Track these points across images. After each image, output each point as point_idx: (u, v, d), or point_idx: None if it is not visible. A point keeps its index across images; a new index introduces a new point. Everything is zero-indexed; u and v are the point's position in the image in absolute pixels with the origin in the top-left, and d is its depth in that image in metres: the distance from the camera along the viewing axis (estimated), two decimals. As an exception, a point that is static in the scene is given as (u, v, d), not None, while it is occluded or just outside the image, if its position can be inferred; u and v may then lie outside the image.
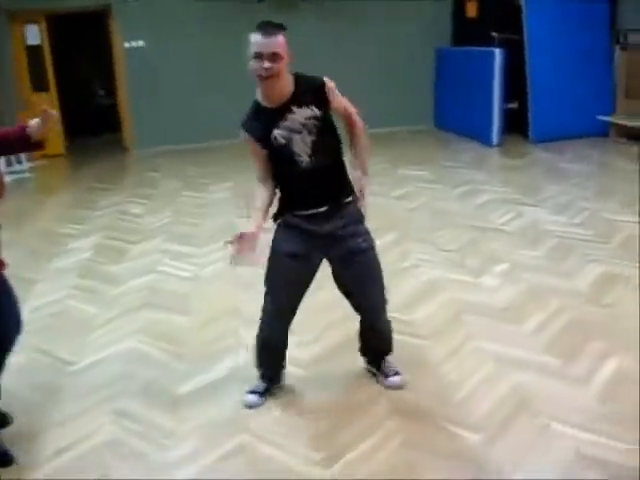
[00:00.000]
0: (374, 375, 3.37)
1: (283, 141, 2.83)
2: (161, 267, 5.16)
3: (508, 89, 8.82)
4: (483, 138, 8.98)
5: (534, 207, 6.09)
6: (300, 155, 2.84)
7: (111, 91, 11.24)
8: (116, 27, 9.87)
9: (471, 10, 9.85)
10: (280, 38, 2.73)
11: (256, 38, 2.71)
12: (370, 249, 3.05)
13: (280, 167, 2.93)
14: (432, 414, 3.06)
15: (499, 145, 8.83)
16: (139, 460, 2.88)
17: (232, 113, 9.66)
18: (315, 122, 2.83)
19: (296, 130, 2.82)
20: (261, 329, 3.20)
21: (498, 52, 8.66)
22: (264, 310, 3.18)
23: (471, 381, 3.30)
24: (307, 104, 2.82)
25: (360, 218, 3.05)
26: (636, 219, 5.56)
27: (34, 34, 10.03)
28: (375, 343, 3.33)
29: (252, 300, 4.37)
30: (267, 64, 2.70)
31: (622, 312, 3.94)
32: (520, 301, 4.15)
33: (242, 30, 9.67)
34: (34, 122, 2.82)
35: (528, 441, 2.83)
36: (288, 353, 3.32)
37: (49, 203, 7.49)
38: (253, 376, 3.33)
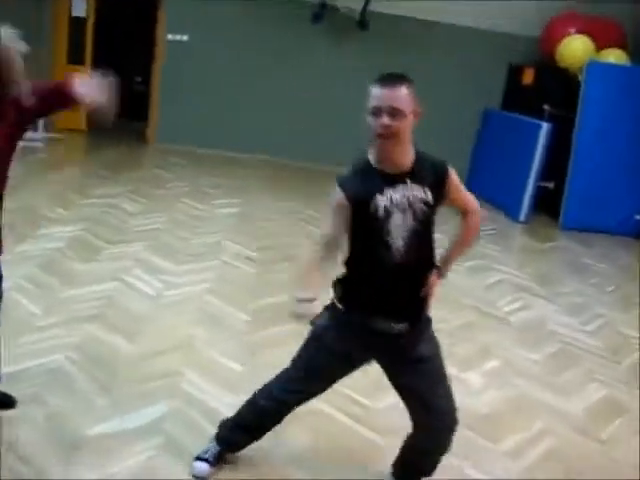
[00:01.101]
0: None
1: (382, 213, 2.30)
2: (128, 277, 4.69)
3: (548, 167, 8.33)
4: (511, 212, 8.47)
5: (546, 300, 5.56)
6: (394, 238, 2.33)
7: (147, 80, 10.93)
8: (163, 17, 9.56)
9: (528, 77, 9.40)
10: (403, 91, 2.25)
11: (375, 90, 2.26)
12: (431, 358, 2.54)
13: (368, 245, 2.37)
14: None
15: (526, 223, 8.32)
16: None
17: (265, 128, 9.40)
18: (424, 208, 2.34)
19: (400, 207, 2.31)
20: (272, 398, 2.70)
21: (546, 126, 8.19)
22: (287, 382, 2.68)
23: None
24: (423, 185, 2.35)
25: (427, 325, 2.55)
26: (654, 340, 5.03)
27: (81, 5, 9.78)
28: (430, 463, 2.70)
29: (210, 338, 3.97)
30: (386, 120, 2.23)
31: (616, 454, 3.39)
32: (503, 411, 3.61)
33: (290, 49, 9.38)
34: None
35: None
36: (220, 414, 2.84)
37: (45, 180, 7.11)
38: (175, 434, 2.84)
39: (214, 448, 2.80)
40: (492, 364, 4.18)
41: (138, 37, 11.16)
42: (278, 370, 3.65)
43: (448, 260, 2.56)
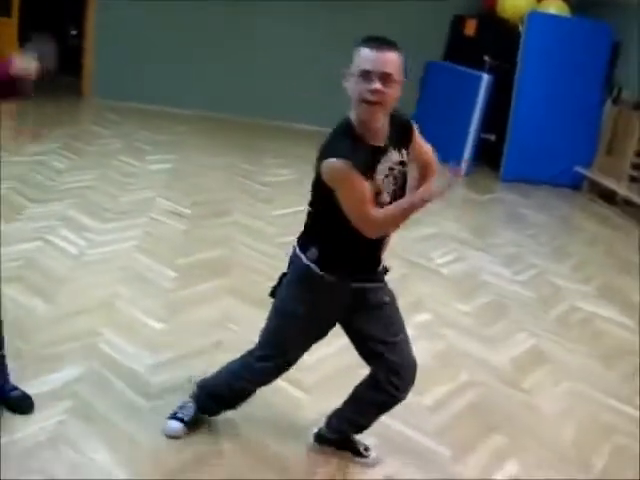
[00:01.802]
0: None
1: (376, 191, 2.24)
2: (50, 237, 4.51)
3: (489, 118, 8.30)
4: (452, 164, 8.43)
5: (480, 252, 5.56)
6: (378, 205, 2.25)
7: (82, 34, 10.48)
8: (94, -37, 9.14)
9: (470, 28, 9.29)
10: (395, 56, 2.15)
11: (365, 53, 2.13)
12: (390, 303, 2.50)
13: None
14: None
15: (466, 175, 8.28)
16: None
17: (203, 83, 9.09)
18: (402, 169, 2.32)
19: (385, 174, 2.28)
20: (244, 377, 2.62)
21: (486, 78, 8.13)
22: (263, 359, 2.55)
23: (339, 460, 2.73)
24: (399, 147, 2.31)
25: (384, 273, 2.53)
26: (584, 288, 5.08)
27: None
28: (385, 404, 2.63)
29: (133, 297, 3.85)
30: (378, 85, 2.10)
31: (537, 403, 3.41)
32: (429, 364, 3.57)
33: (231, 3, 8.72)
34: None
35: None
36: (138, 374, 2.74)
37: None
38: (88, 397, 2.76)
39: (191, 408, 2.73)
40: (422, 317, 4.16)
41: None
42: (201, 327, 3.61)
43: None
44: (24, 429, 2.62)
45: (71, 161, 6.42)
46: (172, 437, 2.69)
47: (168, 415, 2.75)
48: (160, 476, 2.50)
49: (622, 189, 7.63)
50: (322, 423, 2.77)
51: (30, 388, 2.84)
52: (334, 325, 2.54)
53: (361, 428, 2.71)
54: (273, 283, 2.54)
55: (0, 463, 2.39)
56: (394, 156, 2.29)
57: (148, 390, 3.00)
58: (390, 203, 2.28)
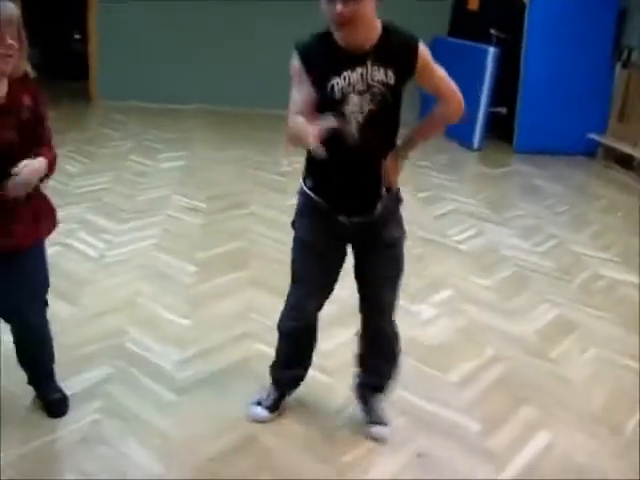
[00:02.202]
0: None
1: (339, 95, 2.21)
2: (70, 240, 4.55)
3: (499, 92, 8.23)
4: (464, 140, 8.39)
5: (498, 226, 5.53)
6: (349, 122, 2.23)
7: (86, 37, 10.51)
8: (92, -33, 9.16)
9: (473, 2, 9.21)
10: None
11: None
12: (400, 240, 2.53)
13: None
14: (316, 475, 2.52)
15: (480, 150, 8.25)
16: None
17: (205, 78, 9.09)
18: (383, 90, 2.23)
19: (358, 90, 2.21)
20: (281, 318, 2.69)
21: (493, 51, 8.05)
22: (290, 295, 2.65)
23: (367, 444, 2.75)
24: (385, 66, 2.22)
25: (397, 205, 2.51)
26: (604, 255, 5.04)
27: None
28: (376, 351, 2.74)
29: (155, 294, 3.88)
30: (340, 7, 2.07)
31: (565, 372, 3.40)
32: (453, 340, 3.60)
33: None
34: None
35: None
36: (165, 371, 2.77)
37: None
38: (118, 396, 2.80)
39: (272, 394, 2.79)
40: (444, 294, 4.16)
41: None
42: (224, 320, 3.64)
43: (410, 141, 2.46)
44: (59, 430, 2.66)
45: (83, 165, 6.46)
46: (258, 422, 2.76)
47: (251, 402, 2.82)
48: (195, 468, 2.53)
49: (638, 153, 7.55)
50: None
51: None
52: (338, 255, 2.53)
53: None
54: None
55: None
56: (374, 73, 2.21)
57: (177, 385, 3.02)
58: (364, 124, 2.24)
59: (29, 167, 2.25)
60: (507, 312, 4.00)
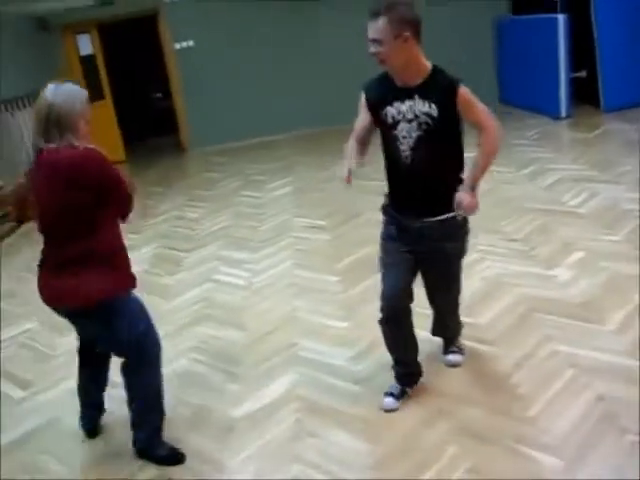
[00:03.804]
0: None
1: (391, 121, 2.73)
2: (216, 275, 4.99)
3: (575, 57, 8.26)
4: (551, 111, 8.46)
5: (610, 184, 5.61)
6: (402, 144, 2.74)
7: (168, 93, 11.18)
8: (166, 29, 9.78)
9: (531, -24, 9.29)
10: (380, 23, 2.58)
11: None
12: (454, 256, 2.97)
13: (386, 147, 2.84)
14: (502, 434, 2.76)
15: (568, 117, 8.29)
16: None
17: (290, 105, 9.53)
18: (428, 120, 2.67)
19: (407, 118, 2.70)
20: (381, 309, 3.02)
21: (562, 18, 8.11)
22: (381, 289, 3.02)
23: (547, 393, 2.96)
24: (430, 100, 2.66)
25: (456, 231, 2.90)
26: None
27: (86, 44, 10.05)
28: (441, 333, 3.37)
29: (310, 306, 4.23)
30: (371, 49, 2.63)
31: None
32: (599, 295, 3.77)
33: (292, 27, 9.41)
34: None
35: (617, 465, 2.50)
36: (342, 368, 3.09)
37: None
38: (309, 396, 3.12)
39: (395, 386, 3.13)
40: (576, 256, 4.32)
41: (148, 55, 11.38)
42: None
43: (472, 174, 2.76)
44: (267, 433, 3.01)
45: (202, 209, 6.95)
46: (388, 410, 3.04)
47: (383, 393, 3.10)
48: (398, 440, 2.82)
49: None
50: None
51: (258, 400, 3.27)
52: (407, 257, 2.90)
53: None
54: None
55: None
56: (419, 104, 2.66)
57: (355, 377, 3.34)
58: (414, 147, 2.71)
59: None
60: (646, 259, 4.11)
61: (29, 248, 5.88)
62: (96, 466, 3.01)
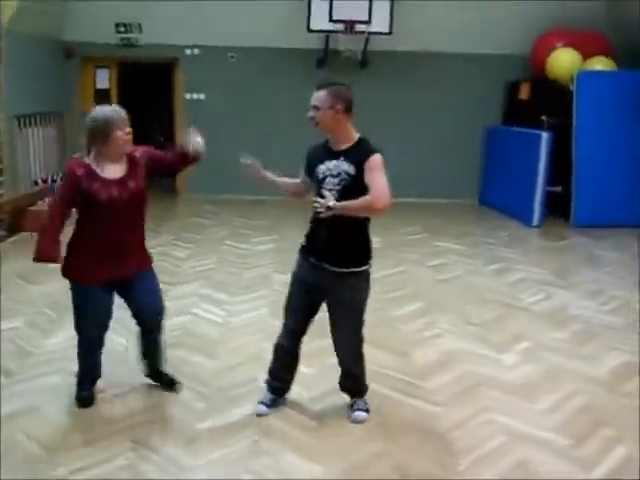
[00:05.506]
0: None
1: (321, 176, 3.33)
2: (196, 310, 5.37)
3: (553, 172, 8.95)
4: (524, 218, 9.09)
5: (565, 290, 6.16)
6: (326, 195, 3.24)
7: (170, 138, 11.68)
8: (180, 79, 10.37)
9: (524, 92, 10.07)
10: (321, 93, 3.27)
11: None
12: (352, 301, 3.44)
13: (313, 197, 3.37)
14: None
15: (539, 226, 8.93)
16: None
17: (285, 169, 9.98)
18: (346, 177, 3.25)
19: (334, 174, 3.28)
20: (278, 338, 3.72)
21: (546, 136, 8.82)
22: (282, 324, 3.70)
23: (479, 451, 3.38)
24: (350, 161, 3.25)
25: (360, 279, 3.41)
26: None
27: (104, 78, 10.57)
28: (347, 385, 3.75)
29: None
30: (310, 113, 3.30)
31: (637, 404, 3.97)
32: (537, 380, 4.23)
33: (298, 95, 10.15)
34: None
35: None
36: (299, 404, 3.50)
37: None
38: (264, 425, 3.52)
39: (268, 395, 3.74)
40: (523, 345, 4.80)
41: (158, 99, 11.95)
42: (336, 369, 4.31)
43: (349, 201, 3.22)
44: (230, 446, 3.37)
45: (188, 250, 7.35)
46: (259, 415, 3.65)
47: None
48: (343, 469, 3.19)
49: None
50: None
51: (222, 419, 3.63)
52: (311, 296, 3.49)
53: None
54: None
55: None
56: (344, 165, 3.25)
57: (314, 413, 3.73)
58: (339, 196, 3.22)
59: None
60: (581, 357, 4.60)
61: (20, 256, 6.20)
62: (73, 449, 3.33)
